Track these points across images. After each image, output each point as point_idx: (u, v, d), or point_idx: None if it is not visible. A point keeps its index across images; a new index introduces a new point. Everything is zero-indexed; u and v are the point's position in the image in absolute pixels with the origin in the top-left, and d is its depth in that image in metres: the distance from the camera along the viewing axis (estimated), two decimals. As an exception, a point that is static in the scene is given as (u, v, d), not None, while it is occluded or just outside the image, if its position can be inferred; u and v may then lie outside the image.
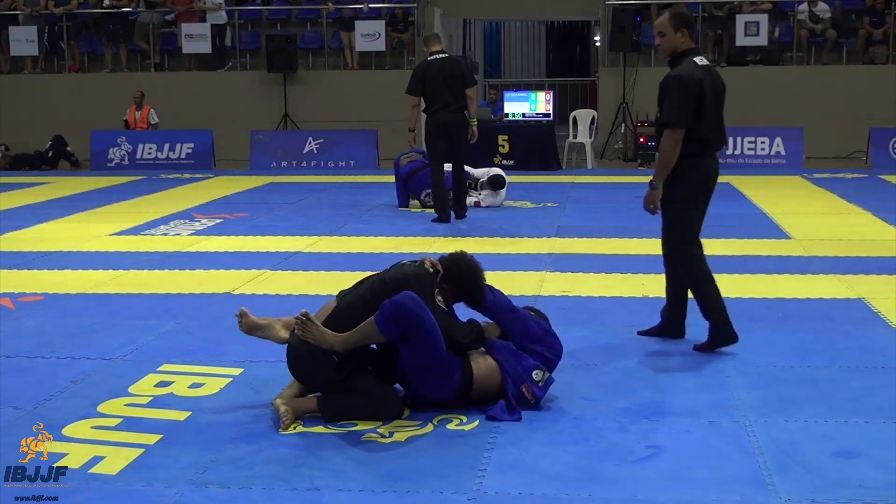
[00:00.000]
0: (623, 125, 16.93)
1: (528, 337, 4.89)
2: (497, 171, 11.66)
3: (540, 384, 4.71)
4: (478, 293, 4.91)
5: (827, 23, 17.30)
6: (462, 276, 4.87)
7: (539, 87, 19.11)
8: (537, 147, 15.32)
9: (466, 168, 11.24)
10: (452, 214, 10.27)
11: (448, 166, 10.31)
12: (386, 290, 4.62)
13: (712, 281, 5.65)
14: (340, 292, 4.91)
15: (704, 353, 5.58)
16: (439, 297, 4.79)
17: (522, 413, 4.64)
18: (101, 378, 5.26)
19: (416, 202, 11.36)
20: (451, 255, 4.97)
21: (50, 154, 16.77)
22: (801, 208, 11.10)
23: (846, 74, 17.07)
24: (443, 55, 10.19)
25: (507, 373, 4.70)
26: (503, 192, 11.45)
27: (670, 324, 5.88)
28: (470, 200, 11.04)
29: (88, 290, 7.37)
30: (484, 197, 11.34)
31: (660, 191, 5.50)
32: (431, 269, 4.82)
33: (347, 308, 4.71)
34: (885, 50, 17.28)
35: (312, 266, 8.10)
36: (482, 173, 11.58)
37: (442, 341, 4.54)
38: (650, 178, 5.57)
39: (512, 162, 14.80)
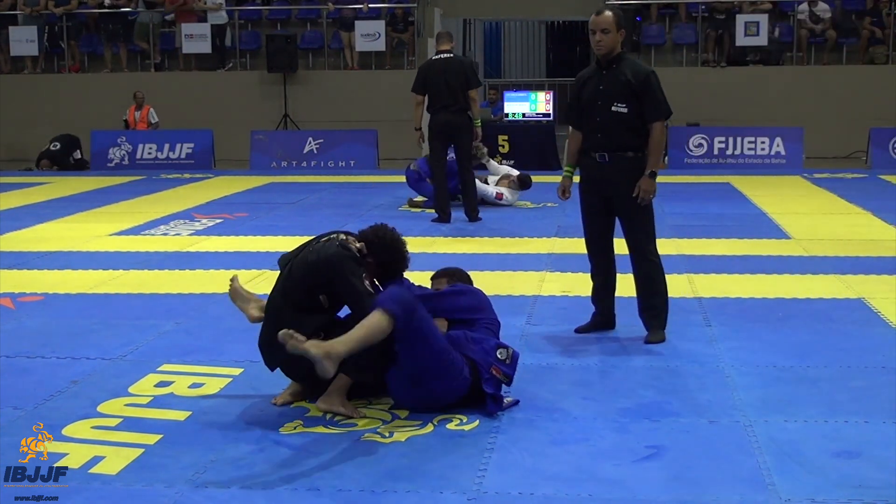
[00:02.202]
0: (623, 125, 16.89)
1: (461, 310, 4.92)
2: (514, 172, 11.81)
3: (507, 362, 4.73)
4: (401, 265, 4.91)
5: (827, 23, 17.31)
6: (387, 247, 4.86)
7: (539, 87, 19.09)
8: (537, 147, 15.33)
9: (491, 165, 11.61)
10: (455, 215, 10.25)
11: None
12: (312, 273, 4.68)
13: None
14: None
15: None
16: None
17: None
18: (101, 378, 5.26)
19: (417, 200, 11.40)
20: (372, 227, 4.95)
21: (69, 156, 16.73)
22: (801, 208, 11.10)
23: (846, 74, 17.08)
24: (448, 55, 10.09)
25: (476, 363, 4.66)
26: (516, 196, 11.55)
27: (608, 317, 5.99)
28: (491, 190, 11.14)
29: (88, 290, 7.37)
30: (504, 191, 11.42)
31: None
32: (356, 246, 4.79)
33: (276, 298, 4.78)
34: (885, 50, 17.29)
35: (312, 266, 8.08)
36: (505, 170, 11.76)
37: (438, 333, 4.58)
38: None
39: (512, 162, 14.75)
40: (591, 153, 5.75)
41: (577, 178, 5.92)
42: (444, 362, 4.55)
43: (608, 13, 5.71)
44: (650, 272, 5.77)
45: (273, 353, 4.71)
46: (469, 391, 4.65)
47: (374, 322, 4.33)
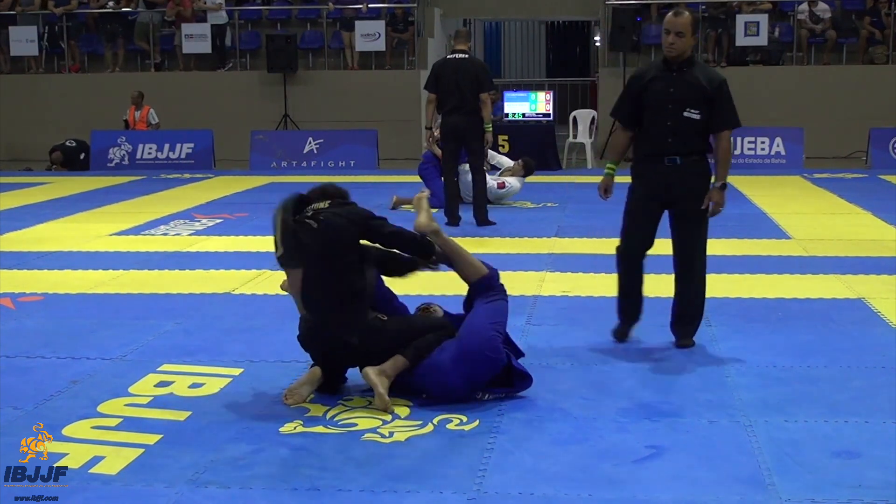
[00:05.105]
0: (623, 125, 16.92)
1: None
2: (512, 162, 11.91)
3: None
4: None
5: (827, 23, 17.31)
6: (337, 187, 5.11)
7: (539, 87, 19.12)
8: (537, 147, 15.28)
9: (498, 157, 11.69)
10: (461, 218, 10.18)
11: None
12: (348, 231, 4.83)
13: None
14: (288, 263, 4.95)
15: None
16: None
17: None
18: (101, 378, 5.26)
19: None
20: (322, 188, 5.09)
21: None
22: (801, 208, 11.10)
23: (846, 74, 17.08)
24: (462, 55, 9.93)
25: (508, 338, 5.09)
26: (522, 183, 11.58)
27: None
28: (492, 182, 11.12)
29: (88, 290, 7.37)
30: (507, 180, 11.44)
31: None
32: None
33: (328, 283, 4.83)
34: (884, 50, 17.29)
35: (312, 266, 8.09)
36: (510, 163, 11.91)
37: None
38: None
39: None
40: (661, 157, 5.50)
41: (618, 178, 5.74)
42: (497, 333, 4.80)
43: (686, 15, 5.49)
44: (695, 283, 5.64)
45: (326, 339, 4.83)
46: (501, 371, 4.81)
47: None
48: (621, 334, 5.83)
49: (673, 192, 5.52)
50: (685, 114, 5.45)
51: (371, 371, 4.73)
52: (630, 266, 5.77)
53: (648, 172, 5.58)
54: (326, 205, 4.92)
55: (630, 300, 5.83)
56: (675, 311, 5.76)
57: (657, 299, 6.73)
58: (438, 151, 10.56)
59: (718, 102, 5.49)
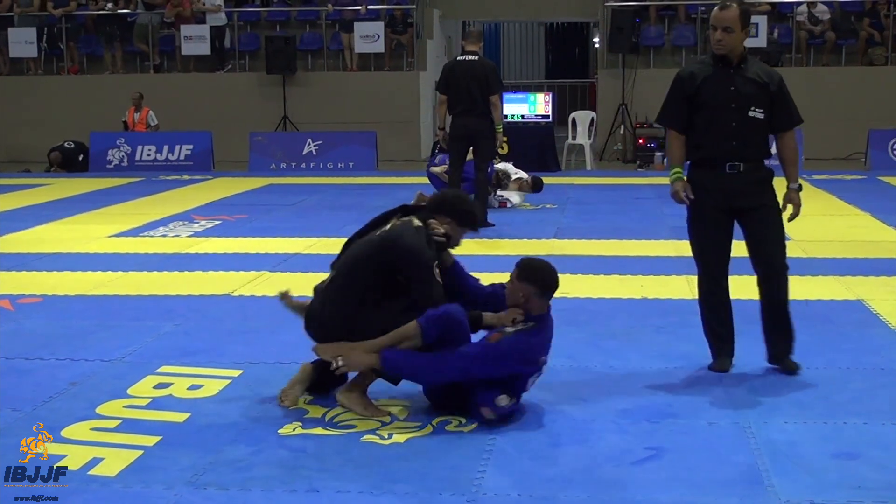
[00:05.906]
0: (622, 127, 16.95)
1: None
2: (525, 174, 11.91)
3: (500, 406, 4.51)
4: (473, 215, 5.11)
5: (826, 24, 17.32)
6: (455, 199, 5.09)
7: (538, 88, 19.13)
8: (536, 148, 15.32)
9: (504, 166, 11.61)
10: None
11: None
12: (378, 251, 4.82)
13: None
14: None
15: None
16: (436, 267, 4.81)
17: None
18: (101, 380, 5.26)
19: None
20: (437, 196, 5.15)
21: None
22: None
23: (845, 76, 17.08)
24: (473, 57, 9.91)
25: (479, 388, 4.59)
26: (524, 197, 11.61)
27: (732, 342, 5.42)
28: (495, 201, 11.07)
29: (87, 292, 7.37)
30: (511, 196, 11.42)
31: None
32: (439, 232, 4.93)
33: (338, 273, 4.90)
34: (883, 51, 17.29)
35: (311, 268, 8.08)
36: (513, 171, 11.84)
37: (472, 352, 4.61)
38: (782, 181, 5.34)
39: (511, 163, 14.78)
40: (721, 163, 5.11)
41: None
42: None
43: (734, 7, 5.02)
44: (786, 290, 5.27)
45: (317, 329, 4.83)
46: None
47: (405, 332, 4.54)
48: (722, 367, 5.31)
49: (737, 202, 5.18)
50: (750, 113, 5.08)
51: (340, 397, 4.70)
52: (717, 289, 5.37)
53: (705, 181, 5.16)
54: (414, 222, 4.91)
55: (725, 329, 5.37)
56: (768, 324, 5.33)
57: (655, 301, 6.75)
58: (438, 169, 10.70)
59: (780, 100, 5.14)
